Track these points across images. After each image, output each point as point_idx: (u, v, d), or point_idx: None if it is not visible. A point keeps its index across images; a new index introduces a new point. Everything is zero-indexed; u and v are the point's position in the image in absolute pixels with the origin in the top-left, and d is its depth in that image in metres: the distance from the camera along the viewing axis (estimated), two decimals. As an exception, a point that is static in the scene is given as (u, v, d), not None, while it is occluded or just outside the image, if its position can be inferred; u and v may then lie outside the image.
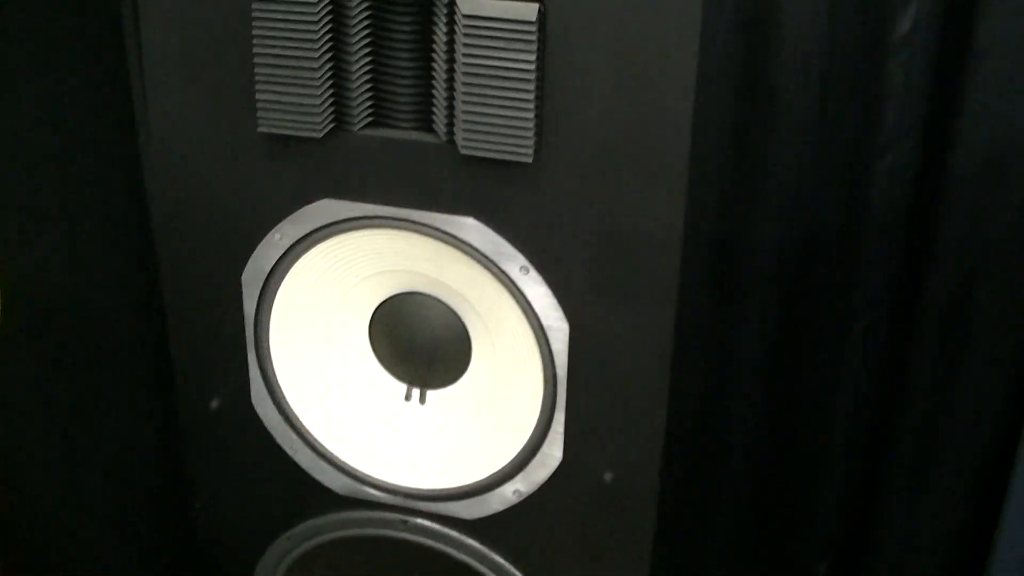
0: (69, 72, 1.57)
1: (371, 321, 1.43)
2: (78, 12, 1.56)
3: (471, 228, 1.29)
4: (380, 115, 1.30)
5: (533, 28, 1.18)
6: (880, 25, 1.58)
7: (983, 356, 1.73)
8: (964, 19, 1.56)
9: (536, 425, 1.38)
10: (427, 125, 1.29)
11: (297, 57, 1.25)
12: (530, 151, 1.23)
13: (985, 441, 1.80)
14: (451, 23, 1.22)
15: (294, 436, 1.47)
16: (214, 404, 1.48)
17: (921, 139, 1.65)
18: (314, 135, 1.28)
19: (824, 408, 1.83)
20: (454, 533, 1.48)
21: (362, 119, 1.29)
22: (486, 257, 1.30)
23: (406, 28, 1.26)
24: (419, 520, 1.49)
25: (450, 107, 1.25)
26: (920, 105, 1.63)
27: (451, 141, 1.26)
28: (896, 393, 1.79)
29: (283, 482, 1.50)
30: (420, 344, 1.42)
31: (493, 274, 1.31)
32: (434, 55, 1.25)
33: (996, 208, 1.64)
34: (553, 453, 1.39)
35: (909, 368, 1.76)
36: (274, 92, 1.27)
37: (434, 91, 1.26)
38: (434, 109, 1.27)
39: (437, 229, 1.31)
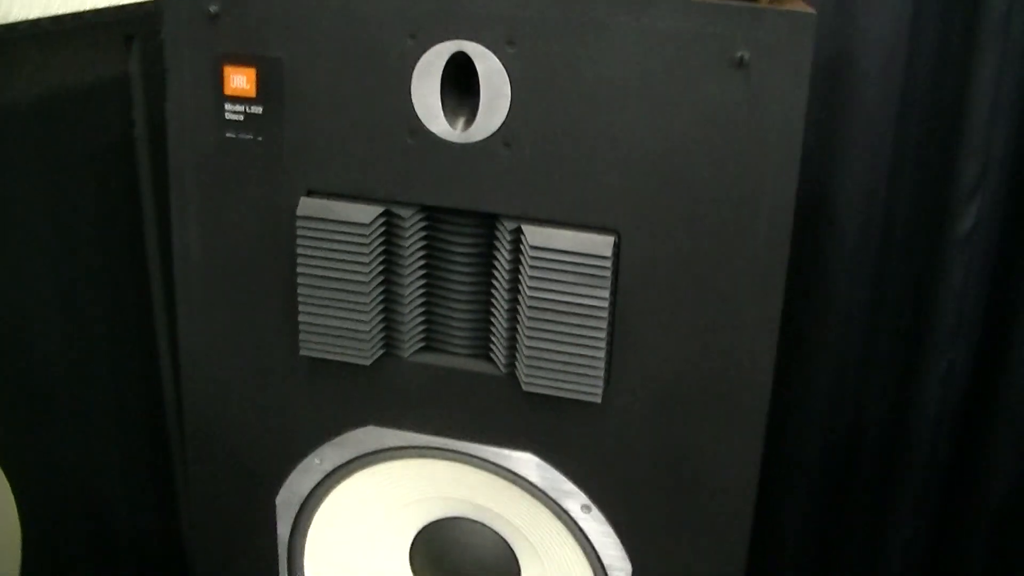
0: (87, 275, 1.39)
1: (412, 543, 1.24)
2: (97, 229, 1.38)
3: (529, 464, 1.12)
4: (432, 340, 1.13)
5: (608, 263, 1.01)
6: (940, 221, 1.42)
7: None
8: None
9: (592, 664, 1.19)
10: (484, 352, 1.11)
11: (345, 280, 1.07)
12: (599, 391, 1.06)
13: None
14: (516, 251, 1.05)
15: (327, 662, 1.28)
16: (241, 627, 1.28)
17: (978, 340, 1.48)
18: (362, 362, 1.09)
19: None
20: None
21: (413, 344, 1.11)
22: (545, 494, 1.13)
23: (465, 252, 1.09)
24: None
25: (512, 339, 1.08)
26: (979, 305, 1.47)
27: (512, 374, 1.08)
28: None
29: None
30: (465, 570, 1.24)
31: (551, 510, 1.13)
32: (495, 281, 1.08)
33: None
34: None
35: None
36: (318, 315, 1.10)
37: (493, 319, 1.09)
38: (493, 338, 1.09)
39: (492, 463, 1.13)
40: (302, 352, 1.12)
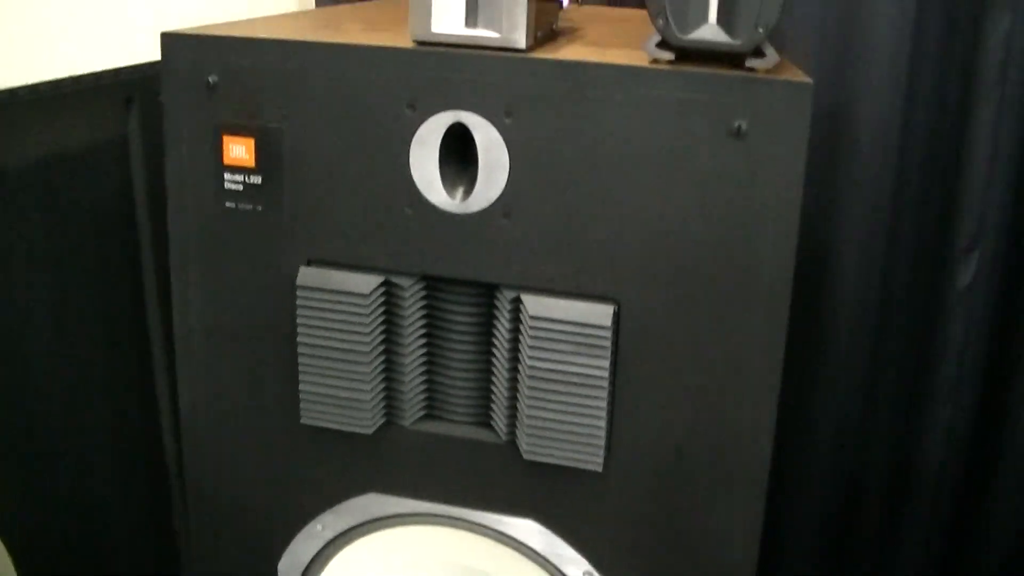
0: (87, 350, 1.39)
1: (415, 607, 1.23)
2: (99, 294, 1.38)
3: (531, 531, 1.11)
4: (433, 408, 1.12)
5: (607, 332, 1.01)
6: (940, 275, 1.42)
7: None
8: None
9: None
10: (484, 420, 1.10)
11: (346, 349, 1.07)
12: (600, 459, 1.05)
13: None
14: (516, 320, 1.04)
15: None
16: None
17: (979, 393, 1.47)
18: (363, 431, 1.09)
19: None
20: None
21: (414, 413, 1.11)
22: (547, 560, 1.12)
23: (465, 321, 1.08)
24: None
25: (512, 407, 1.07)
26: (979, 358, 1.46)
27: (512, 442, 1.08)
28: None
29: None
30: (468, 634, 1.23)
31: (553, 576, 1.12)
32: (495, 350, 1.07)
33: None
34: None
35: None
36: (319, 384, 1.09)
37: (494, 387, 1.08)
38: (493, 406, 1.09)
39: (493, 530, 1.12)
40: (303, 420, 1.12)
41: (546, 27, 1.08)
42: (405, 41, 1.03)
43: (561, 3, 1.18)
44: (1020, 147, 1.37)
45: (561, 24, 1.22)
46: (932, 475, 1.48)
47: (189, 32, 1.06)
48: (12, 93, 1.23)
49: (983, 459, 1.47)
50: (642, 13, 0.98)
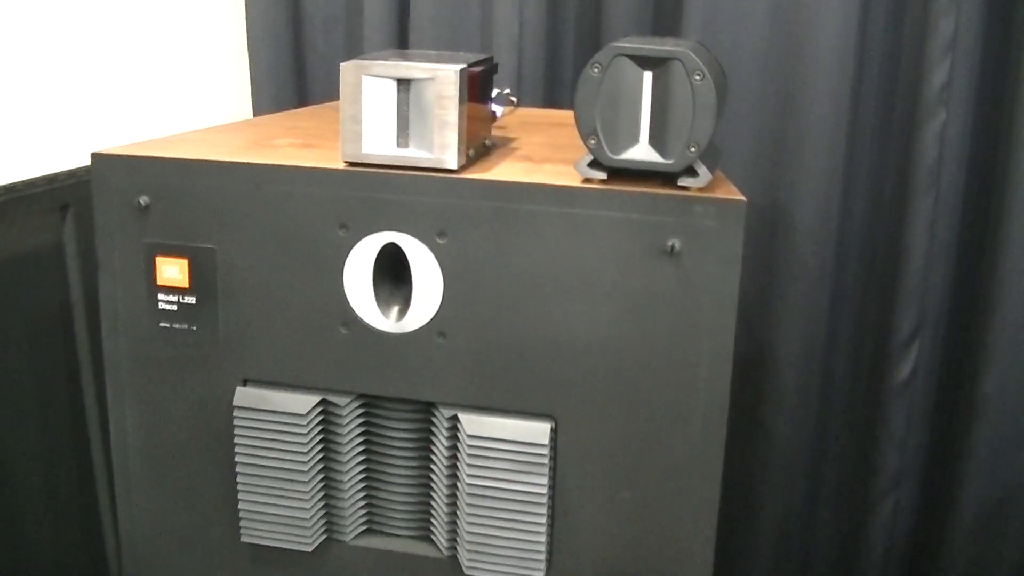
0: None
1: None
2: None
3: (475, 644, 1.10)
4: (374, 523, 1.11)
5: (545, 450, 1.01)
6: (879, 369, 1.43)
7: None
8: (966, 364, 1.42)
9: None
10: (425, 534, 1.10)
11: (285, 468, 1.06)
12: (541, 573, 1.05)
13: None
14: (453, 438, 1.04)
15: None
16: None
17: (920, 484, 1.48)
18: (304, 548, 1.08)
19: None
20: None
21: (355, 528, 1.10)
22: (491, 672, 1.11)
23: (403, 438, 1.08)
24: None
25: (452, 522, 1.07)
26: (920, 450, 1.47)
27: (453, 556, 1.08)
28: None
29: None
30: None
31: None
32: (433, 466, 1.07)
33: (995, 559, 1.47)
34: None
35: None
36: (258, 502, 1.08)
37: (433, 503, 1.08)
38: (433, 521, 1.08)
39: (437, 644, 1.11)
40: (243, 538, 1.11)
41: (478, 143, 1.08)
42: (337, 160, 1.03)
43: (495, 114, 1.18)
44: (957, 240, 1.39)
45: (496, 132, 1.22)
46: (876, 562, 1.49)
47: (120, 153, 1.05)
48: (-56, 204, 1.22)
49: (926, 547, 1.48)
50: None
